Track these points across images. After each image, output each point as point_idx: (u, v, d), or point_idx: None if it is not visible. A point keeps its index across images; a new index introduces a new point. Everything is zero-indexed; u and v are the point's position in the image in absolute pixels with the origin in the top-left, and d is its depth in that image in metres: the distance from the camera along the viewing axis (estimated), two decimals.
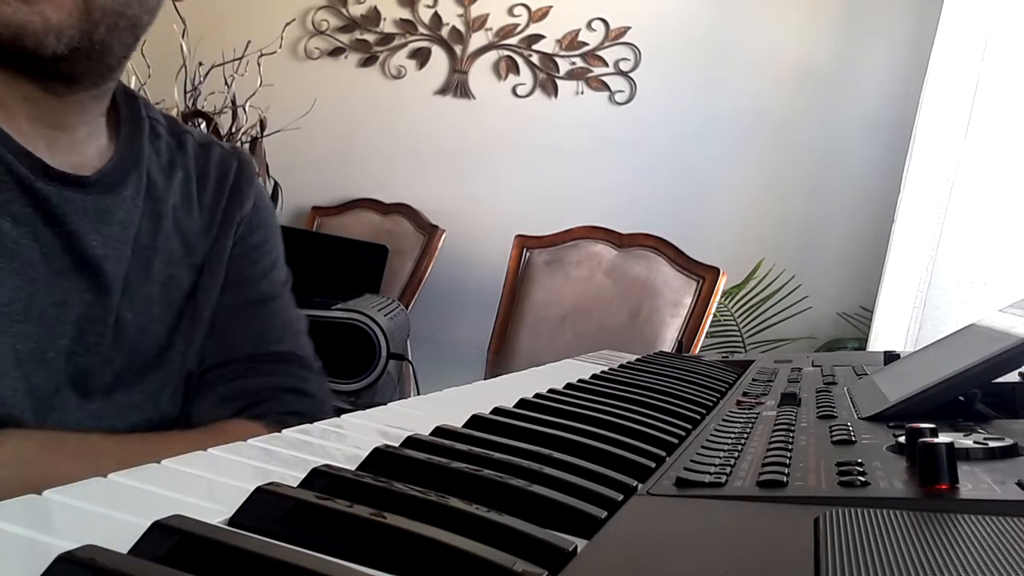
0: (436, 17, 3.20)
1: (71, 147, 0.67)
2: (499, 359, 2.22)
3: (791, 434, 0.50)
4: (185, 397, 0.73)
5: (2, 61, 0.61)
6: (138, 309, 0.69)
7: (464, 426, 0.50)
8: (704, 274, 2.23)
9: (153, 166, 0.73)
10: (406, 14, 3.23)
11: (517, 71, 3.18)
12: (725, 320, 2.93)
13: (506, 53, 3.19)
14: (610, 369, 0.86)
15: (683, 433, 0.54)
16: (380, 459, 0.40)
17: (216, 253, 0.77)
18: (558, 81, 3.16)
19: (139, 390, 0.69)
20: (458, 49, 3.20)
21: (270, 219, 0.83)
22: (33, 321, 0.61)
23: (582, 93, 3.16)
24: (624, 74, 3.13)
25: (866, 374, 0.77)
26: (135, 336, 0.68)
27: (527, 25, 3.17)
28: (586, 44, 3.15)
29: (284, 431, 0.48)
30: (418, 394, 0.90)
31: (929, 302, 2.38)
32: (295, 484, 0.36)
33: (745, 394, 0.70)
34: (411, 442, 0.44)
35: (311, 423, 0.75)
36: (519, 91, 3.18)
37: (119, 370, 0.67)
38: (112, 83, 0.70)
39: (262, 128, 1.91)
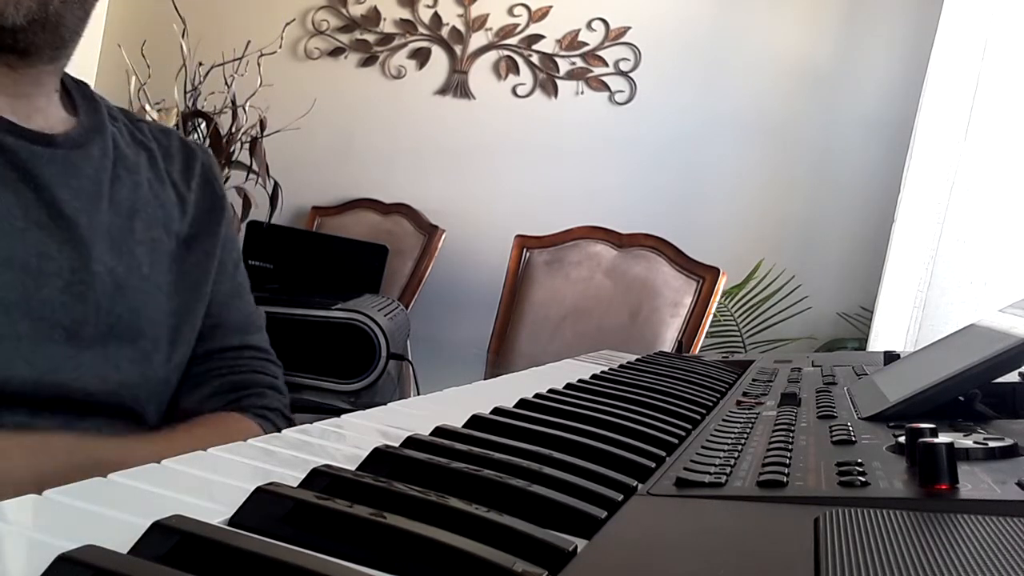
0: (436, 17, 3.20)
1: (34, 112, 0.70)
2: (499, 359, 2.21)
3: (791, 434, 0.50)
4: (184, 375, 0.77)
5: None
6: (127, 264, 0.71)
7: (464, 426, 0.50)
8: (704, 274, 2.23)
9: (120, 141, 0.76)
10: (406, 14, 3.22)
11: (517, 71, 3.18)
12: (725, 320, 2.92)
13: (506, 53, 3.18)
14: (610, 369, 0.86)
15: (683, 433, 0.54)
16: (380, 459, 0.40)
17: (208, 236, 0.80)
18: (558, 81, 3.16)
19: (133, 346, 0.71)
20: (458, 49, 3.20)
21: (231, 216, 0.88)
22: (16, 270, 0.63)
23: (582, 93, 3.16)
24: (624, 74, 3.13)
25: (866, 374, 0.77)
26: (128, 291, 0.71)
27: (527, 25, 3.17)
28: (586, 44, 3.15)
29: (284, 431, 0.48)
30: (418, 394, 0.90)
31: (929, 302, 2.38)
32: (295, 484, 0.36)
33: (745, 394, 0.70)
34: (411, 442, 0.44)
35: (285, 419, 0.79)
36: (519, 91, 3.18)
37: (114, 322, 0.69)
38: (65, 60, 0.72)
39: (262, 128, 1.91)
